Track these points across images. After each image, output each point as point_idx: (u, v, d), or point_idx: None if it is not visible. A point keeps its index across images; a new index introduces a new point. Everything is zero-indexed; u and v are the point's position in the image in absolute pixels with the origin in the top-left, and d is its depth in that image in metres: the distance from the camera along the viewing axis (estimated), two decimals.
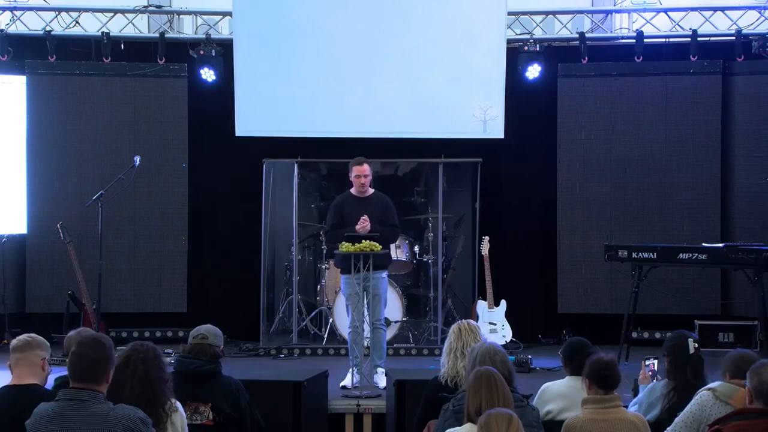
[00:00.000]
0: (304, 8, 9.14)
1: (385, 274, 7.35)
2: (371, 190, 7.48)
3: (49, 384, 4.33)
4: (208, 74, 9.33)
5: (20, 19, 9.37)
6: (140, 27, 9.63)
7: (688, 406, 4.20)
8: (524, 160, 9.71)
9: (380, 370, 7.16)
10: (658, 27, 9.45)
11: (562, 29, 9.63)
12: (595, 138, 9.39)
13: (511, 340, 8.74)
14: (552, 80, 9.44)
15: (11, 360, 4.15)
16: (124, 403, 3.71)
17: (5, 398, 4.02)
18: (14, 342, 4.19)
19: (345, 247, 6.92)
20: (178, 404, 4.07)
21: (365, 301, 7.18)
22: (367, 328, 7.36)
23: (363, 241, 6.89)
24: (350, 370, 7.16)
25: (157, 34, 9.40)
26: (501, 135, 9.09)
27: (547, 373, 7.61)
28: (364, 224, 7.14)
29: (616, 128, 9.38)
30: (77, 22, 9.39)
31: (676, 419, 4.22)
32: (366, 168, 7.34)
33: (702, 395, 4.17)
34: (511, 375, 4.21)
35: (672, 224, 9.23)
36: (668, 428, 4.25)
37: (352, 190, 7.45)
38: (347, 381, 7.13)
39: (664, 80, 9.34)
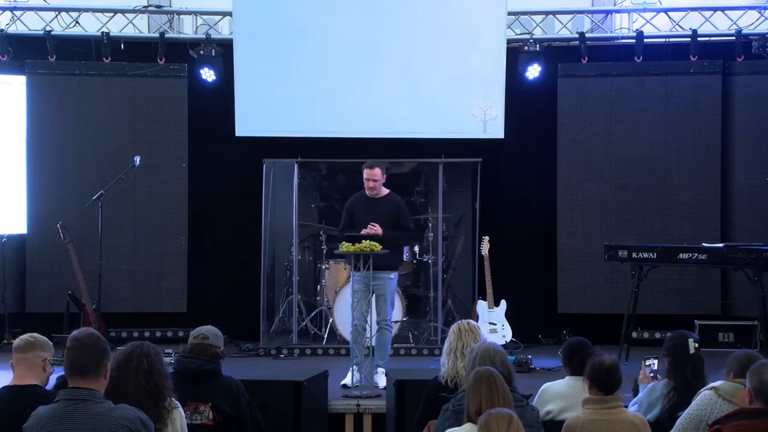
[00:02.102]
0: (304, 8, 9.14)
1: (393, 275, 7.33)
2: (385, 191, 7.46)
3: (50, 384, 4.33)
4: (208, 74, 9.33)
5: (20, 19, 9.37)
6: (140, 27, 9.63)
7: (690, 407, 4.19)
8: (524, 160, 9.71)
9: (380, 370, 7.17)
10: (658, 27, 9.45)
11: (562, 29, 9.63)
12: (595, 138, 9.40)
13: (511, 340, 8.74)
14: (552, 80, 9.44)
15: (13, 359, 4.14)
16: (128, 398, 3.73)
17: (5, 399, 4.02)
18: (16, 342, 4.19)
19: (345, 247, 6.92)
20: (178, 403, 4.07)
21: (370, 301, 7.18)
22: (368, 327, 7.35)
23: (363, 241, 6.90)
24: (351, 367, 7.17)
25: (157, 34, 9.40)
26: (501, 135, 9.09)
27: (547, 373, 7.61)
28: (372, 230, 7.14)
29: (616, 128, 9.38)
30: (77, 22, 9.39)
31: (678, 420, 4.22)
32: (376, 172, 7.34)
33: (704, 395, 4.17)
34: (510, 375, 4.21)
35: (672, 224, 9.24)
36: (671, 431, 4.25)
37: (365, 191, 7.45)
38: (348, 379, 7.15)
39: (664, 80, 9.35)
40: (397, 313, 8.65)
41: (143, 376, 3.92)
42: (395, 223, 7.34)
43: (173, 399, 4.04)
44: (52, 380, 4.34)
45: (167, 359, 7.77)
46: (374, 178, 7.33)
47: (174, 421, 3.99)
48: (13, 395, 4.02)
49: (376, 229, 7.13)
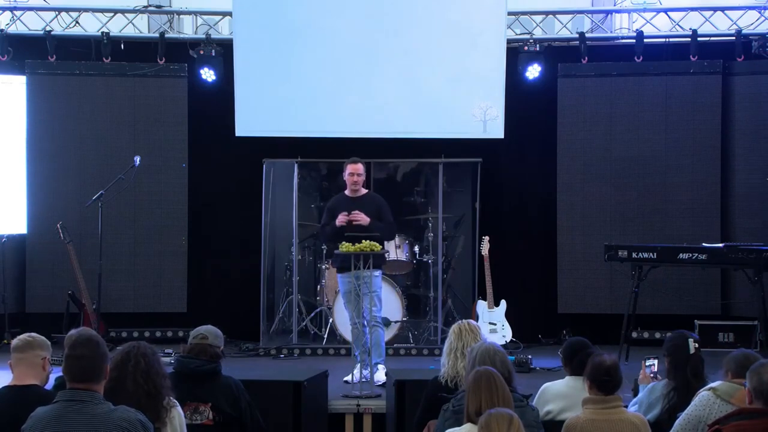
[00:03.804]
0: (304, 8, 9.14)
1: (377, 273, 7.40)
2: (364, 191, 7.59)
3: (49, 383, 4.33)
4: (208, 74, 9.33)
5: (20, 19, 9.37)
6: (140, 27, 9.63)
7: (688, 408, 4.19)
8: (524, 160, 9.71)
9: (380, 367, 7.22)
10: (658, 27, 9.45)
11: (562, 29, 9.63)
12: (595, 138, 9.39)
13: (511, 340, 8.74)
14: (552, 80, 9.44)
15: (12, 359, 4.14)
16: (127, 398, 3.74)
17: (5, 399, 4.02)
18: (15, 342, 4.19)
19: (345, 247, 6.94)
20: (176, 402, 4.08)
21: (362, 300, 7.20)
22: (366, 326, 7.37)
23: (363, 241, 6.92)
24: (357, 365, 7.21)
25: (157, 34, 9.40)
26: (501, 135, 9.09)
27: (547, 373, 7.61)
28: (358, 217, 7.25)
29: (616, 128, 9.38)
30: (77, 22, 9.39)
31: (677, 422, 4.22)
32: (360, 167, 7.50)
33: (702, 395, 4.17)
34: (510, 375, 4.21)
35: (672, 224, 9.23)
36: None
37: (346, 191, 7.56)
38: (350, 376, 7.19)
39: (664, 80, 9.34)
40: (397, 313, 8.66)
41: (141, 375, 3.92)
42: (379, 219, 7.45)
43: (171, 398, 4.04)
44: (51, 380, 4.34)
45: (167, 359, 7.79)
46: (358, 172, 7.47)
47: (173, 420, 3.99)
48: (13, 395, 4.02)
49: (360, 215, 7.23)
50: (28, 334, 4.22)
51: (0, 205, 9.40)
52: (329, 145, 9.29)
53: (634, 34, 9.32)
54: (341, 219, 7.29)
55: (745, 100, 9.25)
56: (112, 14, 9.45)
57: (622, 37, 9.57)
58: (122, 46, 9.45)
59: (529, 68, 9.30)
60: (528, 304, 9.30)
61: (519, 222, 9.72)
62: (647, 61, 9.27)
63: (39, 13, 9.40)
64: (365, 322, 7.17)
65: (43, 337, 4.22)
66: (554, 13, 9.63)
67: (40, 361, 4.12)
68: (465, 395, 3.93)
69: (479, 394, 3.81)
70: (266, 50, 9.10)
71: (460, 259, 9.68)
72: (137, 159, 8.60)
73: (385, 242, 7.88)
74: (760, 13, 9.30)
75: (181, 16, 9.76)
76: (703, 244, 8.08)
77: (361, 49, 9.09)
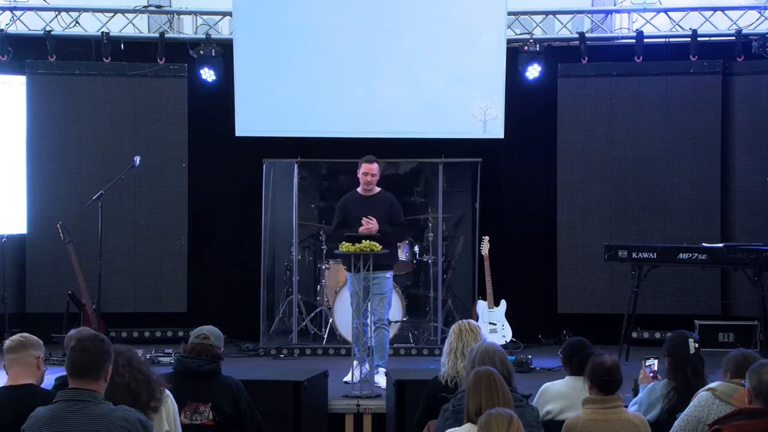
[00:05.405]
0: (304, 8, 9.14)
1: (389, 274, 7.35)
2: (377, 189, 7.50)
3: (49, 383, 4.33)
4: (208, 74, 9.33)
5: (20, 19, 9.37)
6: (140, 27, 9.63)
7: (687, 408, 4.20)
8: (524, 160, 9.71)
9: (381, 370, 7.18)
10: (658, 27, 9.45)
11: (562, 29, 9.63)
12: (595, 138, 9.39)
13: (511, 340, 8.74)
14: (552, 80, 9.43)
15: (6, 361, 4.15)
16: (118, 391, 3.78)
17: (3, 399, 4.02)
18: (7, 343, 4.19)
19: (345, 247, 6.92)
20: (168, 392, 4.14)
21: (367, 301, 7.18)
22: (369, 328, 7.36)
23: (363, 240, 6.90)
24: (356, 364, 7.20)
25: (157, 34, 9.40)
26: (501, 135, 9.09)
27: (547, 373, 7.61)
28: (369, 226, 7.15)
29: (616, 128, 9.38)
30: (77, 22, 9.39)
31: (676, 422, 4.22)
32: (375, 167, 7.39)
33: (701, 396, 4.17)
34: (510, 375, 4.21)
35: (672, 224, 9.23)
36: None
37: (359, 189, 7.49)
38: (350, 377, 7.18)
39: (664, 80, 9.34)
40: (397, 313, 8.66)
41: (124, 368, 3.97)
42: (389, 220, 7.38)
43: (161, 388, 4.10)
44: (51, 380, 4.34)
45: (167, 359, 7.79)
46: (372, 172, 7.38)
47: (167, 399, 4.09)
48: (11, 395, 4.02)
49: (372, 223, 7.15)
50: (20, 334, 4.23)
51: (0, 205, 9.39)
52: (329, 145, 9.29)
53: (634, 34, 9.31)
54: (363, 230, 7.14)
55: (745, 100, 9.25)
56: (112, 14, 9.44)
57: (622, 37, 9.57)
58: (122, 46, 9.44)
59: (529, 68, 9.30)
60: (528, 304, 9.30)
61: (519, 222, 9.72)
62: (647, 61, 9.27)
63: (39, 13, 9.39)
64: (366, 322, 7.17)
65: (35, 337, 4.22)
66: (554, 13, 9.62)
67: (34, 361, 4.13)
68: (465, 395, 3.93)
69: (479, 394, 3.81)
70: (266, 50, 9.10)
71: (460, 259, 9.69)
72: (137, 159, 8.59)
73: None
74: (760, 13, 9.30)
75: (181, 16, 9.75)
76: (703, 244, 8.08)
77: (361, 49, 9.09)
